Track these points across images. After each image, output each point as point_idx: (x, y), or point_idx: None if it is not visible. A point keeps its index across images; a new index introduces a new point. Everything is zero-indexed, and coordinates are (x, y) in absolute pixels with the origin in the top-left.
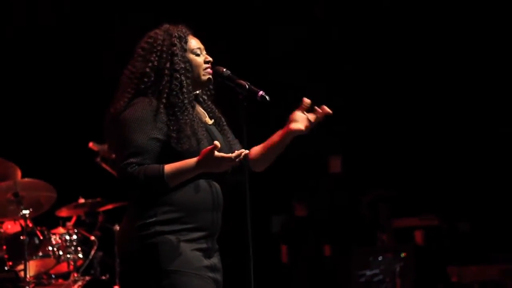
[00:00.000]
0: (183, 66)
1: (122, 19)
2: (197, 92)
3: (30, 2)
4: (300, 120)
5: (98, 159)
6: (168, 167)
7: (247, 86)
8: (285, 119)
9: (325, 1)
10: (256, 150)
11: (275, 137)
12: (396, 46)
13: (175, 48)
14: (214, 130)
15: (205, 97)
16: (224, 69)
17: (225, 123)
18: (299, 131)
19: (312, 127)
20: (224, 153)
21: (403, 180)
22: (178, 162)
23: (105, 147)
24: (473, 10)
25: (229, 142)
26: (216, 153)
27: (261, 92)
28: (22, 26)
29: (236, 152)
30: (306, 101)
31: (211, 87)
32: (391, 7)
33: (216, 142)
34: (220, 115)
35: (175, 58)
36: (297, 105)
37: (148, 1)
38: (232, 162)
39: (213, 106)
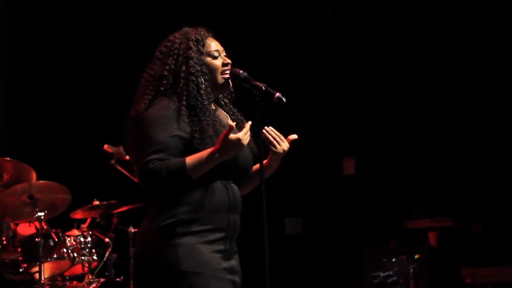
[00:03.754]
0: (198, 68)
1: (136, 25)
2: (219, 95)
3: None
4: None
5: (113, 161)
6: (189, 159)
7: (263, 88)
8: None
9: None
10: None
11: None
12: (410, 47)
13: (191, 51)
14: (236, 132)
15: (226, 101)
16: (241, 71)
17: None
18: (278, 152)
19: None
20: (246, 155)
21: (417, 181)
22: (197, 153)
23: (120, 149)
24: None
25: (249, 145)
26: (232, 135)
27: (277, 94)
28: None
29: (245, 129)
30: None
31: (231, 89)
32: (409, 7)
33: (230, 122)
34: (242, 118)
35: (191, 61)
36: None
37: (163, 7)
38: (246, 139)
39: (234, 110)
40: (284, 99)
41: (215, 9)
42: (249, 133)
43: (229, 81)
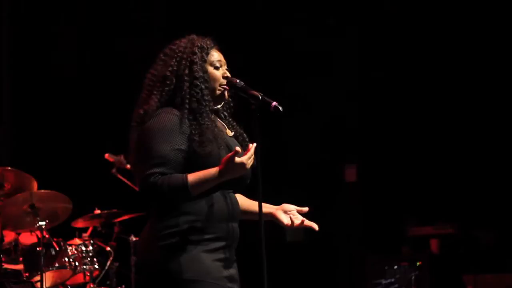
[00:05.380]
0: (201, 75)
1: (137, 33)
2: (218, 107)
3: None
4: (288, 215)
5: (114, 170)
6: (191, 176)
7: (260, 97)
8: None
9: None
10: (241, 203)
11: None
12: (418, 53)
13: (195, 56)
14: (234, 141)
15: (226, 114)
16: (238, 80)
17: (247, 139)
18: (281, 222)
19: (291, 228)
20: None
21: (419, 189)
22: (200, 171)
23: (121, 158)
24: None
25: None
26: (237, 158)
27: (274, 103)
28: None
29: (249, 152)
30: (305, 209)
31: (231, 103)
32: (410, 13)
33: (238, 148)
34: (241, 131)
35: (194, 66)
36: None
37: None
38: (250, 163)
39: (234, 123)
40: (280, 108)
41: (217, 16)
42: (253, 156)
43: (225, 93)
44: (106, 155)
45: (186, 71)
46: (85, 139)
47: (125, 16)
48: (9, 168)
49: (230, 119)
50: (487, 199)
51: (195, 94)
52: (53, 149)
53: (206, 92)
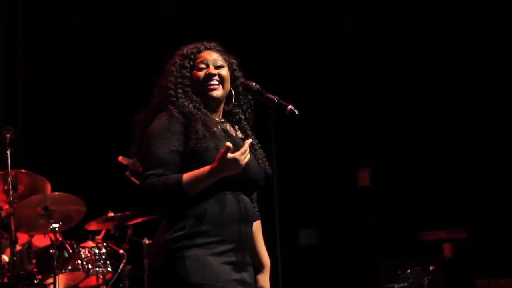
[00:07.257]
0: (180, 80)
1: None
2: (237, 110)
3: None
4: None
5: (128, 173)
6: (186, 175)
7: (276, 101)
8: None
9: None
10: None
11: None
12: (430, 58)
13: (173, 67)
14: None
15: (242, 116)
16: (253, 84)
17: (257, 142)
18: None
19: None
20: (255, 168)
21: (432, 193)
22: (196, 170)
23: (134, 160)
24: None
25: (258, 159)
26: (229, 154)
27: (290, 107)
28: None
29: (243, 148)
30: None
31: (251, 103)
32: (421, 18)
33: (228, 144)
34: (250, 133)
35: (170, 77)
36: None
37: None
38: (243, 159)
39: (247, 127)
40: (296, 111)
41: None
42: (248, 152)
43: (214, 94)
44: (120, 158)
45: (173, 82)
46: (99, 142)
47: (139, 18)
48: (23, 170)
49: (245, 123)
50: (499, 204)
51: (184, 101)
52: (66, 152)
53: (195, 98)
